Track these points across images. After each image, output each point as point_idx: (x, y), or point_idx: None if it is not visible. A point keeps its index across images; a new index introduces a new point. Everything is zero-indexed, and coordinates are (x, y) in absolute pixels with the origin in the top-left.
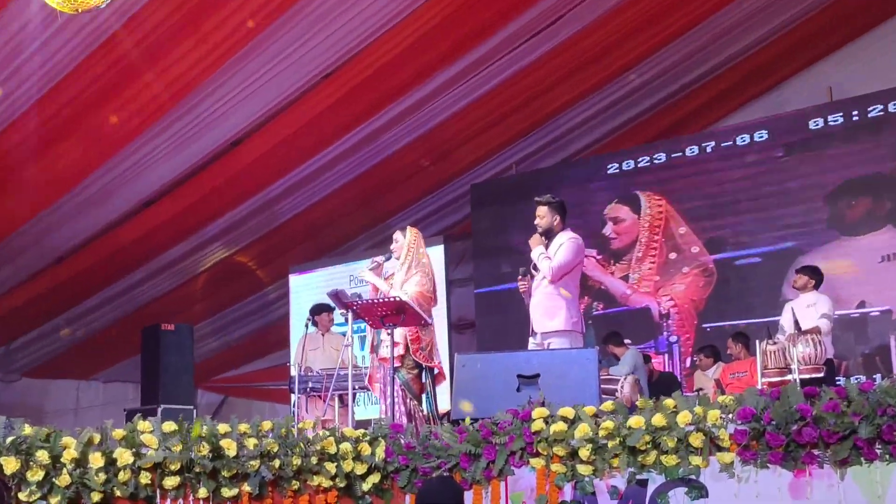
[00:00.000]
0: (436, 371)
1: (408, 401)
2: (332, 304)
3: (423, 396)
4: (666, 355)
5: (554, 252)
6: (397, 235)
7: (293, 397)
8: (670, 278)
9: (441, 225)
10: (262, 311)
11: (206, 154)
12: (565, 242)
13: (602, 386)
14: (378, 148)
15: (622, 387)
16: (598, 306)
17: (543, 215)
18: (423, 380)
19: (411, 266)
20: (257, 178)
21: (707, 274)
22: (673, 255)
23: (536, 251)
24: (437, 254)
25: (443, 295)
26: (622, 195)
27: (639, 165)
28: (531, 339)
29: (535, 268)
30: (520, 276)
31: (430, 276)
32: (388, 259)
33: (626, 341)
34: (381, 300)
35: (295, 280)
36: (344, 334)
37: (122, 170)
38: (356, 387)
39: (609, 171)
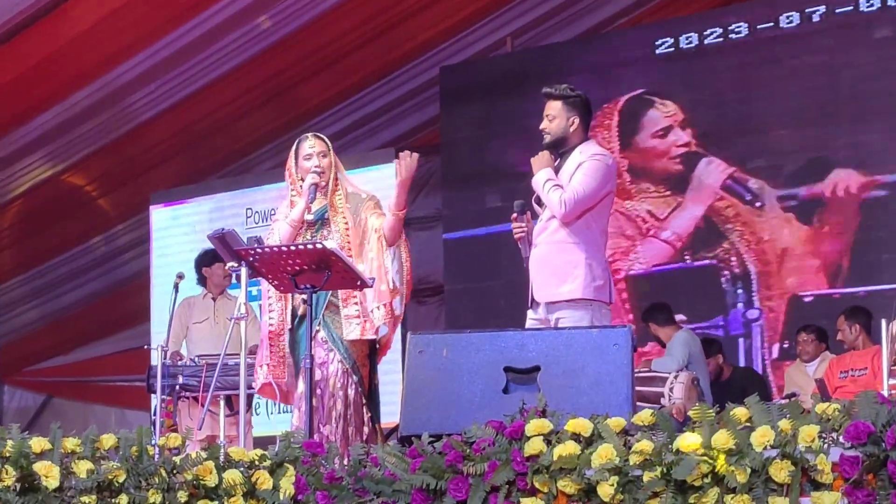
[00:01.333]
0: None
1: (346, 401)
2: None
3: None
4: (741, 340)
5: (569, 176)
6: (313, 141)
7: (153, 399)
8: (748, 220)
9: (392, 132)
10: (105, 264)
11: (16, 14)
12: (587, 161)
13: (638, 388)
14: (293, 9)
15: (670, 389)
16: (631, 263)
17: (556, 116)
18: (373, 367)
19: (351, 198)
20: (98, 53)
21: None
22: (754, 184)
23: (542, 175)
24: (385, 176)
25: None
26: (675, 89)
27: (705, 42)
28: (529, 314)
29: (539, 201)
30: (514, 215)
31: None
32: None
33: (679, 318)
34: (294, 248)
35: (159, 215)
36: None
37: None
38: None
39: (658, 51)
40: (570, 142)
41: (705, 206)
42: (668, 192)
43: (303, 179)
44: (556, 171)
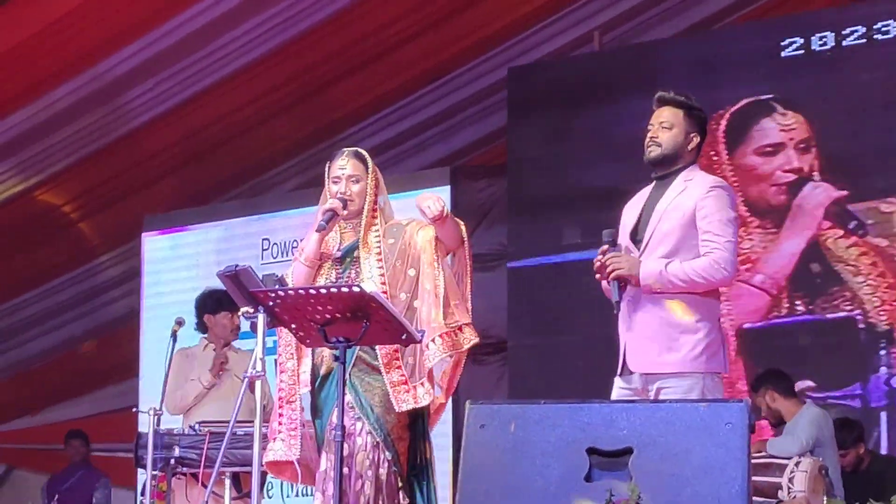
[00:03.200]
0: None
1: (376, 484)
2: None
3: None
4: (883, 414)
5: (682, 211)
6: (345, 160)
7: (140, 474)
8: (878, 257)
9: (446, 147)
10: (85, 304)
11: None
12: (713, 196)
13: (754, 478)
14: None
15: (790, 479)
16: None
17: (675, 125)
18: (419, 438)
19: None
20: (82, 41)
21: None
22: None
23: (652, 266)
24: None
25: None
26: (802, 100)
27: (843, 44)
28: (618, 382)
29: (636, 235)
30: (603, 247)
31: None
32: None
33: (803, 386)
34: (324, 291)
35: (154, 244)
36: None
37: None
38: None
39: (784, 53)
40: (679, 162)
41: (805, 241)
42: (766, 226)
43: None
44: (649, 201)
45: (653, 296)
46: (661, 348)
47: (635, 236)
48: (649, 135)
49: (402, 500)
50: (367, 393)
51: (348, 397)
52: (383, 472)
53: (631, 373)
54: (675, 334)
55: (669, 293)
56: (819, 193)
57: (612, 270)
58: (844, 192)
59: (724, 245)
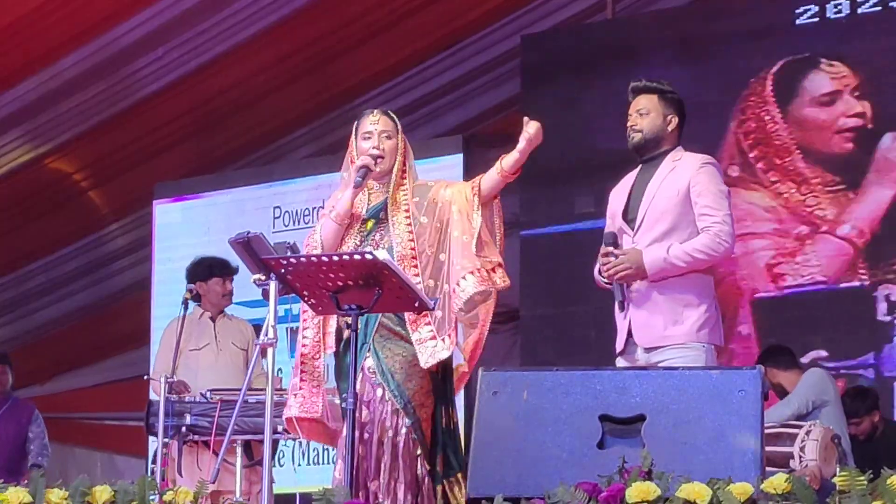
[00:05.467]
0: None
1: (394, 451)
2: (237, 260)
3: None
4: None
5: (676, 190)
6: (377, 116)
7: (152, 442)
8: None
9: (459, 115)
10: (96, 272)
11: None
12: (704, 172)
13: (767, 448)
14: None
15: (801, 448)
16: (798, 268)
17: (651, 110)
18: (446, 401)
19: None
20: (92, 9)
21: None
22: None
23: (657, 252)
24: (450, 169)
25: None
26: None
27: (859, 11)
28: (620, 363)
29: (627, 216)
30: (605, 249)
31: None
32: None
33: (814, 354)
34: (336, 259)
35: (164, 212)
36: (259, 323)
37: None
38: (280, 428)
39: (799, 21)
40: (663, 144)
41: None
42: (831, 177)
43: None
44: (638, 182)
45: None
46: (666, 322)
47: (627, 216)
48: (629, 124)
49: (420, 468)
50: (389, 359)
51: (370, 362)
52: (401, 439)
53: (634, 349)
54: (680, 308)
55: (674, 276)
56: None
57: (619, 274)
58: None
59: (723, 218)
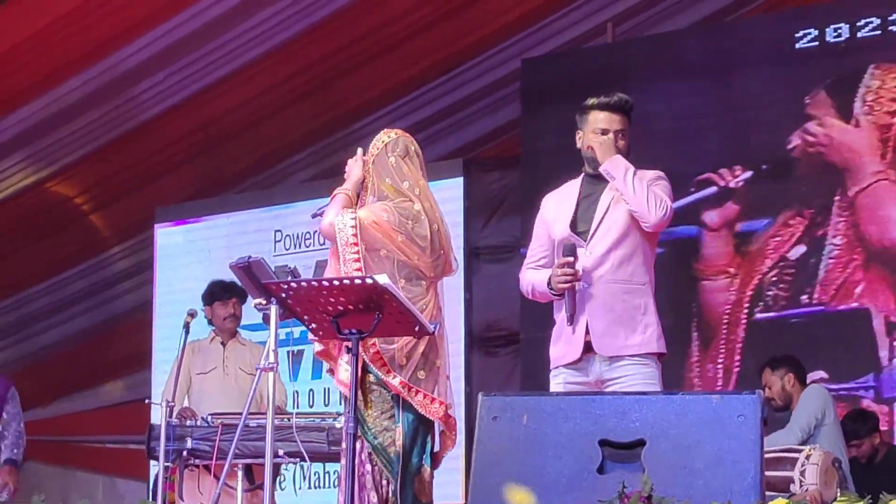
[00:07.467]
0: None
1: (376, 478)
2: (240, 285)
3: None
4: None
5: (637, 190)
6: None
7: (152, 466)
8: None
9: (460, 138)
10: (97, 295)
11: None
12: (661, 183)
13: (767, 473)
14: None
15: (801, 472)
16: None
17: (627, 131)
18: (400, 428)
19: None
20: (94, 32)
21: None
22: None
23: (620, 162)
24: (450, 192)
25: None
26: (832, 83)
27: (858, 36)
28: (564, 375)
29: (576, 228)
30: (567, 259)
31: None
32: None
33: (816, 375)
34: (337, 283)
35: (166, 235)
36: (264, 344)
37: None
38: (281, 452)
39: (799, 45)
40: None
41: None
42: None
43: None
44: (584, 193)
45: (615, 281)
46: (626, 331)
47: (575, 228)
48: (615, 143)
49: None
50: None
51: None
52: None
53: (592, 360)
54: (639, 316)
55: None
56: None
57: (568, 284)
58: None
59: (670, 203)
